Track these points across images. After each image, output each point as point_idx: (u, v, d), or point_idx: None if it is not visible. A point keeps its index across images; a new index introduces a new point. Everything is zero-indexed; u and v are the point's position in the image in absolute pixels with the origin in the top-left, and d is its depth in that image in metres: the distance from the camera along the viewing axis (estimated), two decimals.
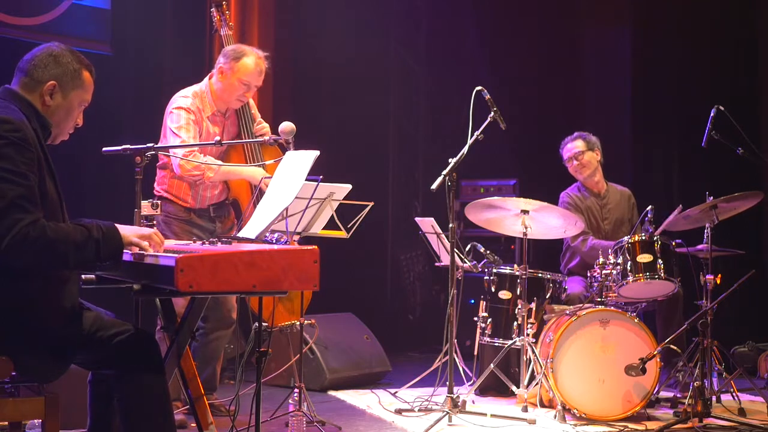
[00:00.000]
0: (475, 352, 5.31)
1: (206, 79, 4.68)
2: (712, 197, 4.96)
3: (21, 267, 2.68)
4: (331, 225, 4.10)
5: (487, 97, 4.84)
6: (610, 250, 5.10)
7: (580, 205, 5.67)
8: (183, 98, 4.56)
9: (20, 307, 2.73)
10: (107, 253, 2.75)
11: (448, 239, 4.84)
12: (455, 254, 4.91)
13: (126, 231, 2.83)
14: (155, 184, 4.66)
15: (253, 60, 4.58)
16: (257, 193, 4.48)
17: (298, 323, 4.56)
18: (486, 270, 5.29)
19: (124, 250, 2.82)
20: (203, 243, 3.25)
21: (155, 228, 3.34)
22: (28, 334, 2.73)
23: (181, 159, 4.40)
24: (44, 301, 2.76)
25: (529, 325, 4.93)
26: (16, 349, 2.71)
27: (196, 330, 4.70)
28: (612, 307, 4.88)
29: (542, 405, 4.93)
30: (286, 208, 3.32)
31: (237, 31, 4.93)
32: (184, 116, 4.48)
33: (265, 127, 4.81)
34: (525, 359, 4.91)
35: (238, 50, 4.60)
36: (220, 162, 4.55)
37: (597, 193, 5.73)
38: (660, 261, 5.00)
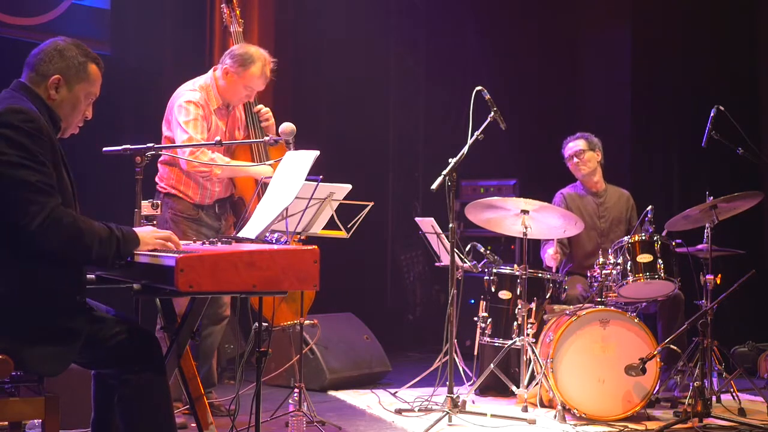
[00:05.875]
0: (475, 352, 5.31)
1: (210, 71, 4.66)
2: (712, 197, 4.96)
3: (44, 251, 2.69)
4: (331, 225, 4.10)
5: (487, 97, 4.84)
6: (611, 252, 5.11)
7: (572, 204, 5.67)
8: (191, 92, 4.54)
9: (29, 295, 2.73)
10: (126, 252, 2.81)
11: (448, 239, 4.84)
12: (455, 254, 4.91)
13: (143, 233, 2.89)
14: (158, 180, 4.63)
15: (259, 68, 4.54)
16: (259, 190, 4.48)
17: (298, 323, 4.56)
18: (486, 270, 5.29)
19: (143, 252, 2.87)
20: (203, 243, 3.25)
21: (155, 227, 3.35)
22: (34, 322, 2.72)
23: (188, 158, 4.41)
24: (53, 291, 2.76)
25: (529, 325, 4.94)
26: (20, 338, 2.70)
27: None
28: (612, 307, 4.88)
29: (542, 405, 4.93)
30: (286, 208, 3.32)
31: (242, 33, 4.91)
32: (193, 111, 4.46)
33: (270, 117, 4.80)
34: (525, 359, 4.91)
35: (246, 56, 4.54)
36: (228, 159, 4.55)
37: (595, 192, 5.73)
38: (660, 261, 5.00)
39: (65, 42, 2.95)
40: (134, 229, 2.88)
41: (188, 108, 4.47)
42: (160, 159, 4.60)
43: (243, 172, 4.61)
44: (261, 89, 4.68)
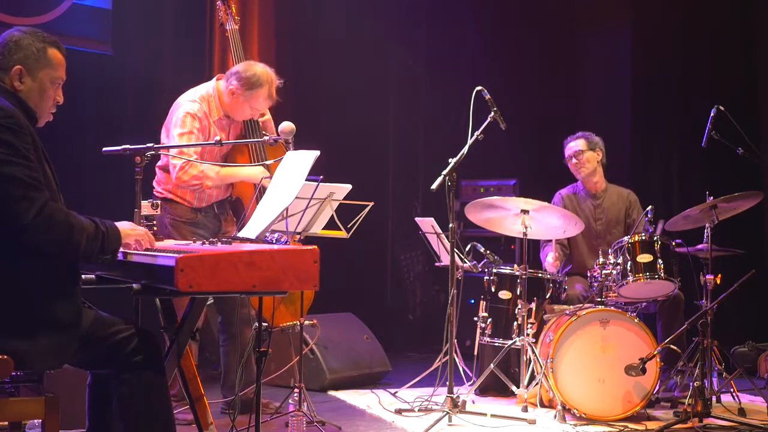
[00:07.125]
0: (475, 352, 5.31)
1: (213, 80, 4.63)
2: (712, 197, 4.96)
3: (36, 246, 2.70)
4: (331, 225, 4.10)
5: (487, 97, 4.84)
6: (610, 253, 5.11)
7: (569, 206, 5.65)
8: (191, 103, 4.50)
9: (23, 289, 2.73)
10: (110, 248, 2.84)
11: (448, 239, 4.85)
12: (455, 254, 4.91)
13: (123, 228, 2.92)
14: (155, 185, 4.61)
15: (266, 91, 4.50)
16: (258, 191, 4.48)
17: (298, 324, 4.56)
18: (486, 270, 5.29)
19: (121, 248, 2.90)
20: (203, 243, 3.25)
21: (155, 228, 3.36)
22: (30, 316, 2.72)
23: (178, 172, 4.39)
24: (48, 285, 2.76)
25: (529, 325, 4.94)
26: (17, 333, 2.70)
27: (222, 334, 4.68)
28: (612, 307, 4.88)
29: (542, 405, 4.93)
30: (287, 208, 3.32)
31: (238, 31, 4.88)
32: (189, 124, 4.43)
33: (266, 113, 4.77)
34: (525, 359, 4.92)
35: (254, 79, 4.47)
36: (217, 169, 4.50)
37: (593, 193, 5.72)
38: (660, 261, 5.00)
39: (21, 32, 2.92)
40: (116, 224, 2.90)
41: (185, 121, 4.44)
42: (157, 164, 4.58)
43: (235, 177, 4.57)
44: (266, 109, 4.67)
